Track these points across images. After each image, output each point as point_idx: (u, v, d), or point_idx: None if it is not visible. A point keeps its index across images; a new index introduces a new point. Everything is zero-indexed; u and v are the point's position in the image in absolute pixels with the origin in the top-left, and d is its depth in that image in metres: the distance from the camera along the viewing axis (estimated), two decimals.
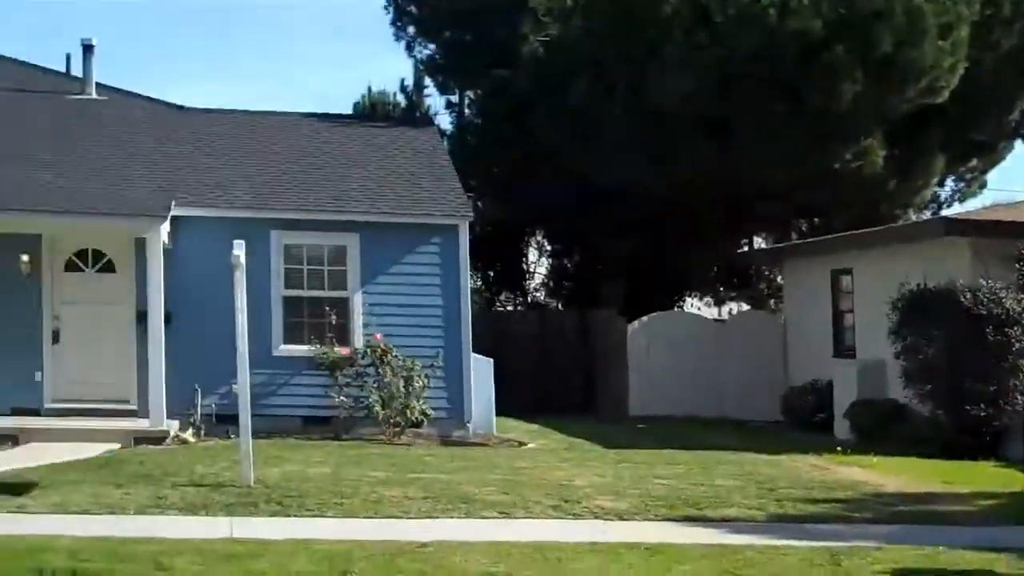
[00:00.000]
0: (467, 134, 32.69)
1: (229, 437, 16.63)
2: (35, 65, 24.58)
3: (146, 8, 64.71)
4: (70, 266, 18.85)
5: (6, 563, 9.02)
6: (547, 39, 29.32)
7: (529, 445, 18.99)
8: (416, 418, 18.34)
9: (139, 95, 23.73)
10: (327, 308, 19.07)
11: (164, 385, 17.13)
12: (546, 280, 33.77)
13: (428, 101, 35.67)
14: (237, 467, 13.39)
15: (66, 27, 42.82)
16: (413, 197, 20.25)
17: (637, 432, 21.73)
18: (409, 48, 34.11)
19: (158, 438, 16.86)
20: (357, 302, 19.20)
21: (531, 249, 33.69)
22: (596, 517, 11.94)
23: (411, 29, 33.71)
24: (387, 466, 14.81)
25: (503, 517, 11.77)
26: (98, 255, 18.90)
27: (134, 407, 18.21)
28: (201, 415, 18.08)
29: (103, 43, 25.96)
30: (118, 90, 23.67)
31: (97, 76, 23.35)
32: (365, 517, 11.50)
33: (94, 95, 23.08)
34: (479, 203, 29.43)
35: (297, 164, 21.17)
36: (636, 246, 28.96)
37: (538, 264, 33.87)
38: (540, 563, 9.76)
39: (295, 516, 11.47)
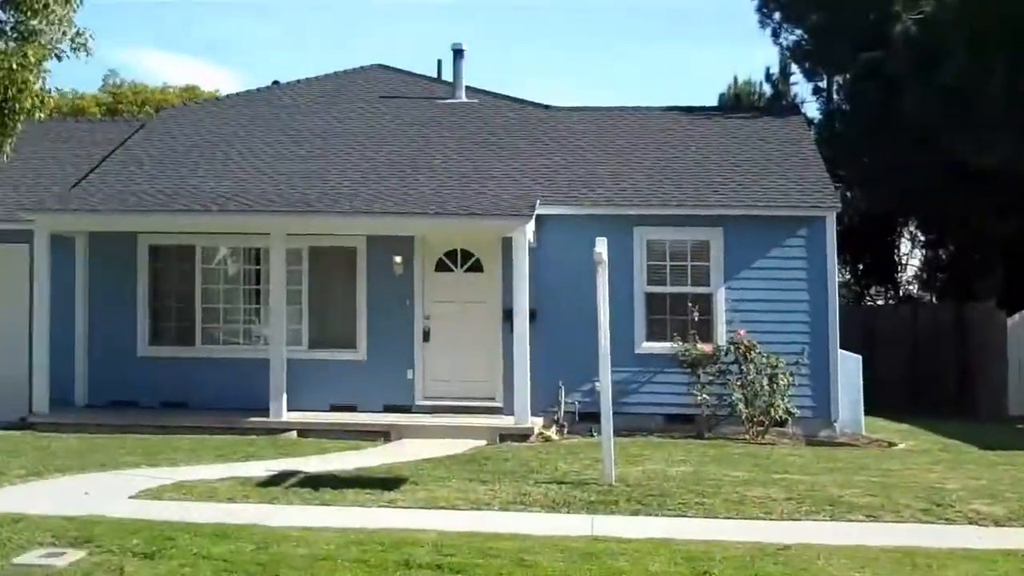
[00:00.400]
0: (834, 121, 31.92)
1: (591, 435, 16.88)
2: (408, 72, 25.66)
3: (523, 10, 66.45)
4: (440, 266, 19.63)
5: (374, 555, 9.40)
6: (920, 16, 28.20)
7: (899, 446, 18.36)
8: (780, 417, 18.04)
9: (507, 96, 24.32)
10: (689, 304, 19.01)
11: (529, 382, 17.56)
12: (919, 272, 32.50)
13: (795, 89, 35.14)
14: (599, 465, 13.54)
15: (441, 33, 44.59)
16: (778, 188, 19.88)
17: (1017, 433, 20.56)
18: (775, 35, 33.78)
19: (522, 435, 17.31)
20: (720, 298, 19.06)
21: (903, 240, 32.49)
22: (971, 522, 11.34)
23: (777, 15, 33.25)
24: (750, 466, 14.65)
25: (870, 520, 11.37)
26: (466, 255, 19.60)
27: (499, 404, 18.80)
28: (564, 412, 18.47)
29: (480, 47, 26.87)
30: (487, 92, 24.37)
31: (470, 80, 24.22)
32: (726, 517, 11.35)
33: (463, 98, 23.88)
34: (847, 193, 28.68)
35: (660, 159, 21.20)
36: (1016, 232, 27.39)
37: (910, 256, 32.65)
38: (908, 569, 9.36)
39: (655, 515, 11.45)
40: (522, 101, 24.16)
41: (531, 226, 18.22)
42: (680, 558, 9.48)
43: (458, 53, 23.98)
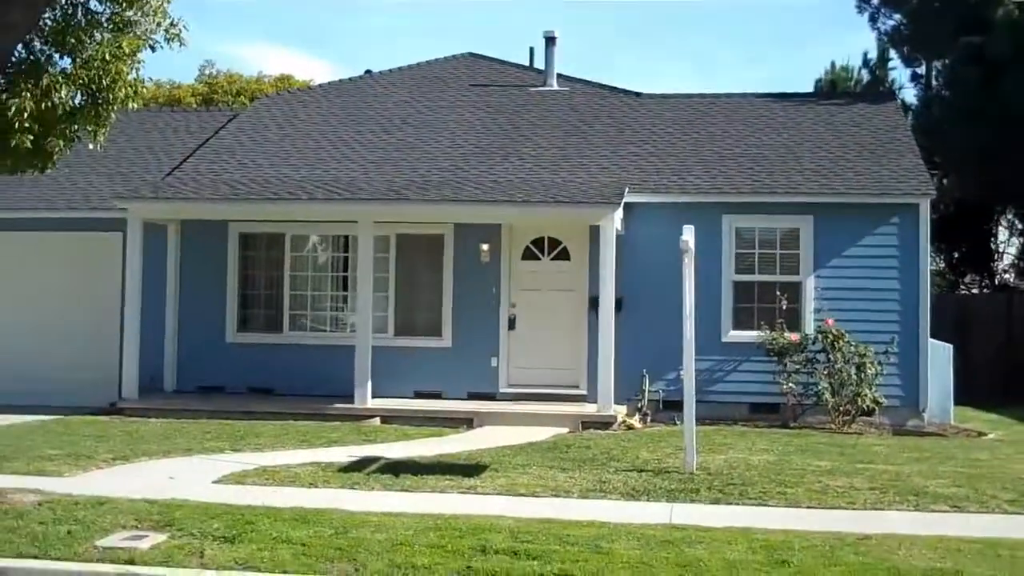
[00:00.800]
0: (932, 107, 31.37)
1: (674, 423, 16.80)
2: (500, 59, 25.69)
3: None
4: (527, 254, 19.65)
5: (451, 541, 9.45)
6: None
7: (988, 436, 18.04)
8: (867, 406, 17.79)
9: (598, 84, 24.25)
10: (777, 292, 18.82)
11: (613, 371, 17.49)
12: (1015, 261, 31.78)
13: (892, 74, 34.62)
14: (680, 453, 13.50)
15: (534, 21, 44.48)
16: (870, 175, 19.58)
17: None
18: (872, 19, 33.35)
19: (605, 423, 17.25)
20: (809, 286, 18.84)
21: (1000, 228, 31.80)
22: None
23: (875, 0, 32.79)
24: (834, 455, 14.49)
25: (954, 511, 11.21)
26: (553, 243, 19.58)
27: (583, 392, 18.77)
28: (648, 400, 18.42)
29: (573, 35, 26.79)
30: (578, 80, 24.32)
31: (561, 67, 24.19)
32: (807, 507, 11.25)
33: (555, 86, 23.86)
34: (944, 180, 28.12)
35: (751, 146, 21.00)
36: None
37: (1008, 244, 31.94)
38: (991, 560, 9.19)
39: (736, 504, 11.38)
40: (613, 88, 24.07)
41: (619, 214, 18.13)
42: (758, 547, 9.44)
43: (550, 40, 23.96)
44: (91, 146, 12.24)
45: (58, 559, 9.04)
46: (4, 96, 10.90)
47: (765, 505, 11.33)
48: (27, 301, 20.69)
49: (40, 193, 21.02)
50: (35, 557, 9.07)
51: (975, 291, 31.55)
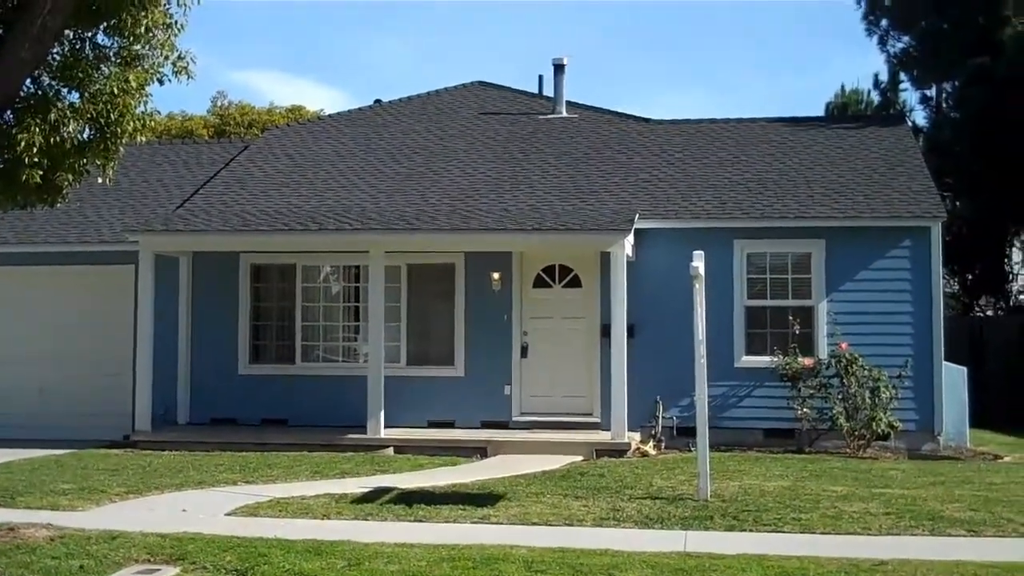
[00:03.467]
0: (942, 129, 31.34)
1: (689, 449, 16.74)
2: (509, 87, 25.72)
3: (622, 25, 66.38)
4: (538, 282, 19.63)
5: (464, 571, 9.43)
6: None
7: (1005, 459, 17.96)
8: (882, 430, 17.69)
9: (607, 111, 24.26)
10: (790, 317, 18.75)
11: (626, 397, 17.44)
12: None
13: (903, 96, 34.60)
14: (695, 480, 13.44)
15: (543, 49, 44.57)
16: (882, 198, 19.53)
17: None
18: (882, 42, 33.41)
19: (619, 451, 17.19)
20: (821, 310, 18.78)
21: (1015, 249, 31.64)
22: None
23: (883, 22, 32.84)
24: (849, 480, 14.43)
25: (971, 535, 11.15)
26: (565, 270, 19.57)
27: (596, 419, 18.73)
28: (662, 427, 18.37)
29: (582, 61, 26.79)
30: (587, 107, 24.34)
31: (571, 95, 24.22)
32: (822, 533, 11.20)
33: (564, 113, 23.89)
34: (955, 202, 28.04)
35: (761, 170, 20.97)
36: None
37: (1022, 265, 31.76)
38: None
39: (750, 530, 11.34)
40: (622, 115, 24.08)
41: (630, 240, 18.12)
42: (773, 574, 9.43)
43: (559, 68, 23.98)
44: (100, 180, 12.29)
45: None
46: (13, 131, 10.94)
47: (780, 531, 11.28)
48: (40, 334, 20.73)
49: (52, 227, 21.10)
50: None
51: (989, 313, 31.38)
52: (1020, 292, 31.70)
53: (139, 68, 11.58)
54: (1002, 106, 26.90)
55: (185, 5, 11.83)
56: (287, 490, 13.72)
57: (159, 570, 9.55)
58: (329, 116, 26.92)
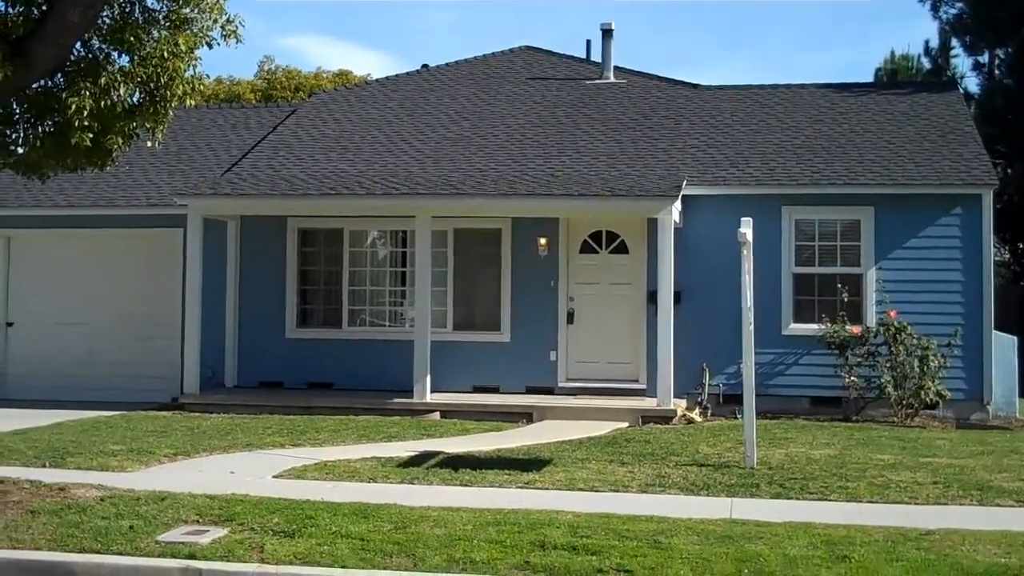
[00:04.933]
0: (995, 96, 30.92)
1: (735, 417, 16.69)
2: (557, 53, 25.64)
3: None
4: (585, 248, 19.57)
5: (510, 536, 9.44)
6: None
7: None
8: (930, 399, 17.57)
9: (655, 76, 24.12)
10: (838, 285, 18.62)
11: (672, 364, 17.39)
12: None
13: (954, 63, 34.19)
14: (741, 448, 13.41)
15: (591, 14, 44.42)
16: (932, 166, 19.32)
17: None
18: (934, 8, 33.05)
19: (665, 417, 17.17)
20: (870, 278, 18.63)
21: None
22: None
23: None
24: (896, 449, 14.35)
25: (1020, 506, 11.06)
26: (611, 236, 19.50)
27: (642, 386, 18.70)
28: (708, 394, 18.33)
29: (629, 26, 26.64)
30: (635, 72, 24.21)
31: (619, 60, 24.12)
32: (869, 501, 11.15)
33: (612, 79, 23.76)
34: (1008, 170, 27.65)
35: (810, 137, 20.78)
36: None
37: None
38: None
39: (796, 498, 11.29)
40: (671, 80, 23.93)
41: (677, 207, 18.04)
42: (819, 542, 9.36)
43: (607, 33, 23.84)
44: (149, 143, 12.33)
45: (120, 553, 9.13)
46: (63, 94, 11.00)
47: (826, 500, 11.23)
48: (89, 298, 20.91)
49: (101, 191, 21.22)
50: (97, 552, 9.17)
51: None
52: None
53: (188, 32, 11.59)
54: None
55: None
56: (334, 453, 13.80)
57: (207, 530, 9.63)
58: (376, 81, 26.92)
